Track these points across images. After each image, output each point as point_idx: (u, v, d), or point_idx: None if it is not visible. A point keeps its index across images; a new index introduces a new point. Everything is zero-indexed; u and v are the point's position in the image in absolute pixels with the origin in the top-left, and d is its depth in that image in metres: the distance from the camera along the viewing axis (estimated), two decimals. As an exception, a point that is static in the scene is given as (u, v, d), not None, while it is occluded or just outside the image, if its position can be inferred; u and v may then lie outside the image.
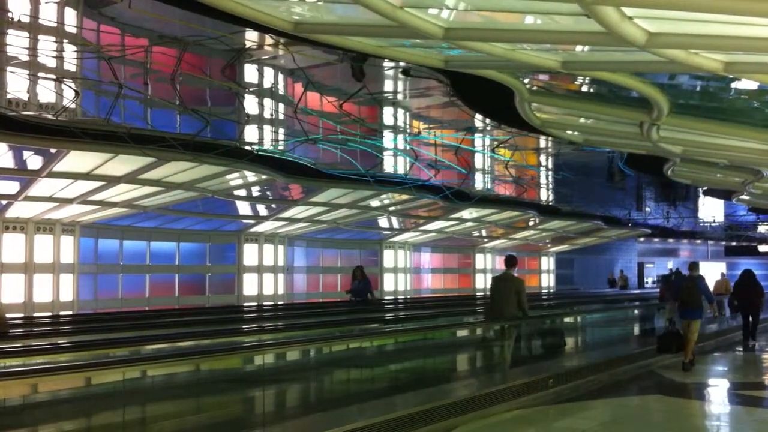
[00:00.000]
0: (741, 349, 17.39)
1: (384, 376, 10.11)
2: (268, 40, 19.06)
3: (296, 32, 7.04)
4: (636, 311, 19.19)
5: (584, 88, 10.58)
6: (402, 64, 18.95)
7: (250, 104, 21.03)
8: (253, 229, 25.34)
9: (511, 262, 11.77)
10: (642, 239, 47.71)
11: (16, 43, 15.63)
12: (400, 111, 26.67)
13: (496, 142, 28.81)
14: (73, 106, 15.56)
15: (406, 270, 32.46)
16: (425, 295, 32.53)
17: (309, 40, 8.49)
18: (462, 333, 12.72)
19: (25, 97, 15.56)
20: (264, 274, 26.01)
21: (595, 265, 43.92)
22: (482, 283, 37.24)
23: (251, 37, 18.91)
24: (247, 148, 18.61)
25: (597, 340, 15.41)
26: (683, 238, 51.13)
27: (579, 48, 7.65)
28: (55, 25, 16.44)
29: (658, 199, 45.32)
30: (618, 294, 32.74)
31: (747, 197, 22.22)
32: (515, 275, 11.70)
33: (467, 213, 28.71)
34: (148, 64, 17.90)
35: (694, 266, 14.04)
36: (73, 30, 17.00)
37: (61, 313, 18.67)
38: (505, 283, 11.49)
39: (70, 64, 16.44)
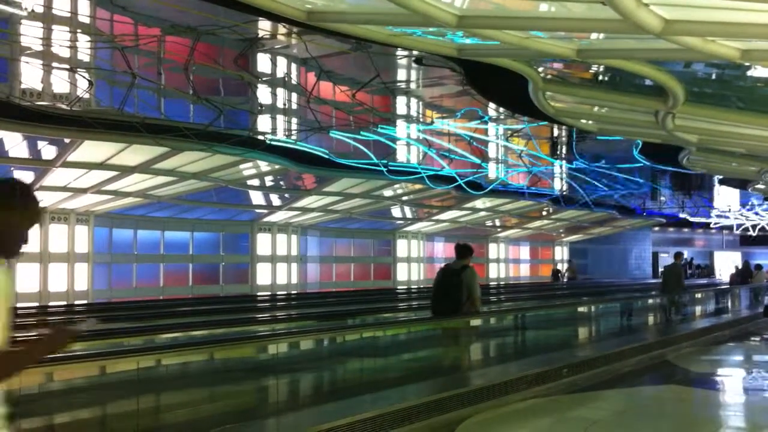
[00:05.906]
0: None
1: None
2: (281, 29, 19.00)
3: (309, 21, 7.00)
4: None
5: (599, 77, 10.49)
6: (415, 52, 18.85)
7: (263, 94, 21.02)
8: (266, 219, 25.39)
9: (678, 255, 17.56)
10: (656, 228, 47.38)
11: (30, 33, 15.66)
12: (413, 100, 26.60)
13: (509, 132, 28.68)
14: (86, 96, 15.60)
15: (419, 260, 32.44)
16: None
17: (322, 28, 8.45)
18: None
19: (39, 87, 15.61)
20: (277, 264, 26.09)
21: (609, 255, 43.71)
22: (496, 272, 37.15)
23: (264, 26, 18.86)
24: (260, 137, 18.62)
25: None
26: (698, 228, 50.75)
27: (594, 36, 7.58)
28: (69, 15, 16.47)
29: (673, 189, 44.94)
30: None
31: (763, 186, 22.05)
32: (679, 263, 17.29)
33: (480, 202, 28.64)
34: (162, 54, 17.92)
35: None
36: (87, 20, 17.03)
37: (76, 302, 18.81)
38: (672, 269, 17.07)
39: (84, 54, 16.47)
